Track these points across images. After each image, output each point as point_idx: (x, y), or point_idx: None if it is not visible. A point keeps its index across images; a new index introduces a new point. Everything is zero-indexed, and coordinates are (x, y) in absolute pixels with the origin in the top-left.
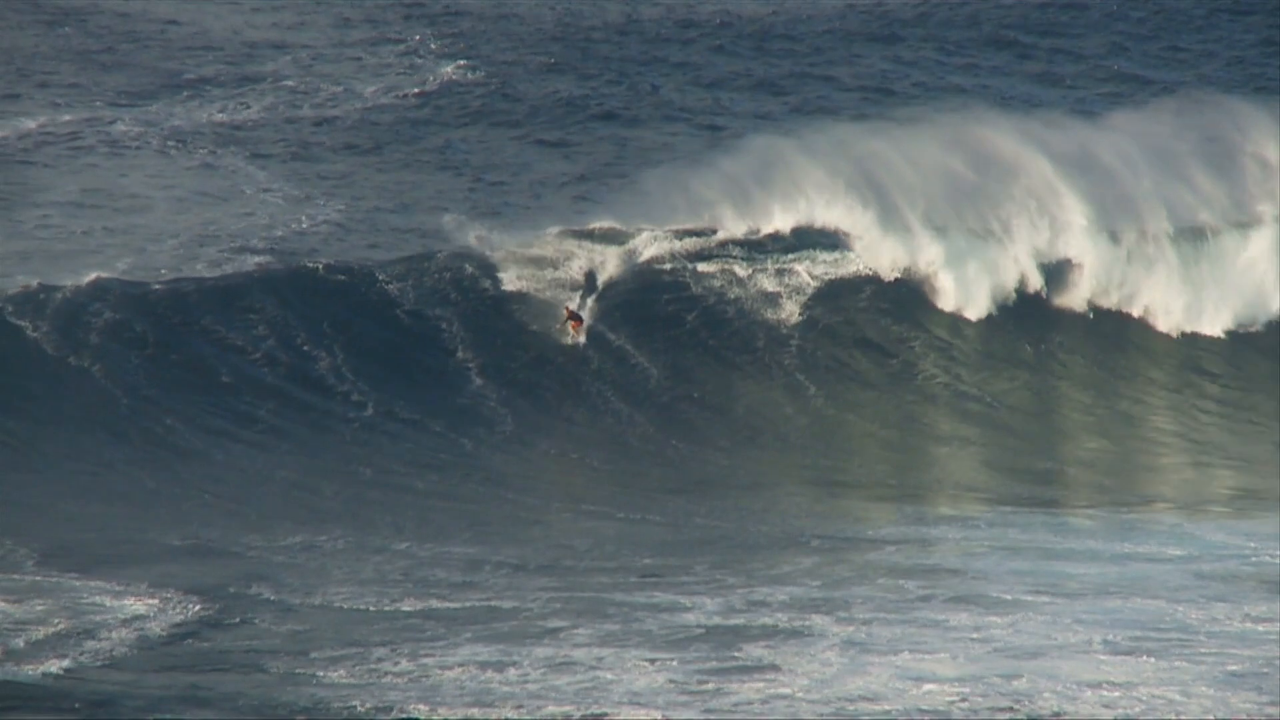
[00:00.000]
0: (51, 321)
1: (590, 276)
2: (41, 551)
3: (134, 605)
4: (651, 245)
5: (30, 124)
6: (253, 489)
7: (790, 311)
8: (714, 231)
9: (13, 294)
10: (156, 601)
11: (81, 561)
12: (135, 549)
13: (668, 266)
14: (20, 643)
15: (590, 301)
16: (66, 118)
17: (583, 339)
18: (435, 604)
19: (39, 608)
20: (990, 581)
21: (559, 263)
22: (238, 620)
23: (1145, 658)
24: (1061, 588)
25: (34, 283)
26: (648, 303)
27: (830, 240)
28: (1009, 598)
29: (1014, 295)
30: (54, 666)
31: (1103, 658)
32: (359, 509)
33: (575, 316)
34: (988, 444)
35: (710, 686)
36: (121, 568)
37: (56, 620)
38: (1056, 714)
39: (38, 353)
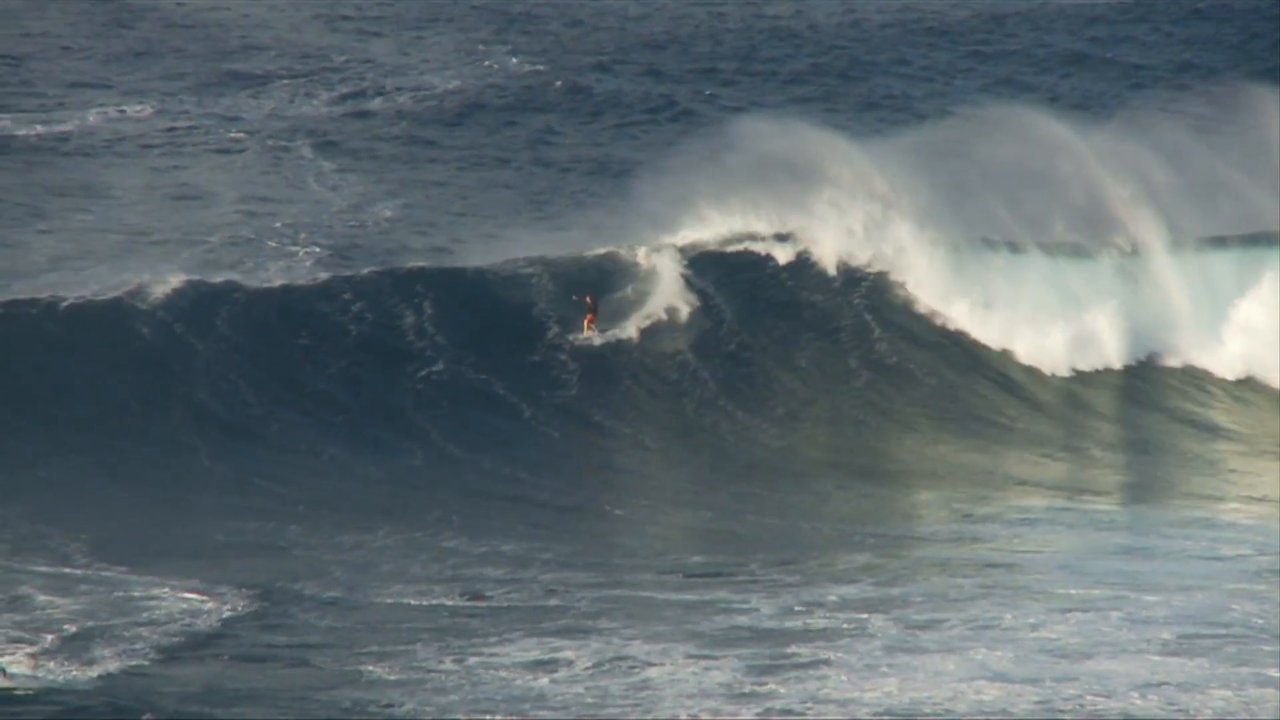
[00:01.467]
0: (122, 319)
1: (623, 273)
2: (91, 544)
3: (183, 601)
4: (685, 240)
5: (95, 118)
6: (302, 484)
7: (838, 304)
8: (742, 232)
9: (85, 294)
10: (205, 597)
11: (130, 555)
12: (184, 543)
13: (702, 265)
14: (70, 637)
15: (614, 300)
16: (132, 111)
17: (596, 339)
18: (482, 602)
19: (89, 601)
20: (1043, 578)
21: (599, 263)
22: (285, 617)
23: (1201, 658)
24: (1116, 585)
25: (97, 286)
26: (685, 299)
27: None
28: (1062, 595)
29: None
30: (107, 663)
31: (1156, 658)
32: (407, 505)
33: (592, 310)
34: (1035, 439)
35: (766, 688)
36: (171, 562)
37: (106, 615)
38: (1106, 714)
39: (102, 348)
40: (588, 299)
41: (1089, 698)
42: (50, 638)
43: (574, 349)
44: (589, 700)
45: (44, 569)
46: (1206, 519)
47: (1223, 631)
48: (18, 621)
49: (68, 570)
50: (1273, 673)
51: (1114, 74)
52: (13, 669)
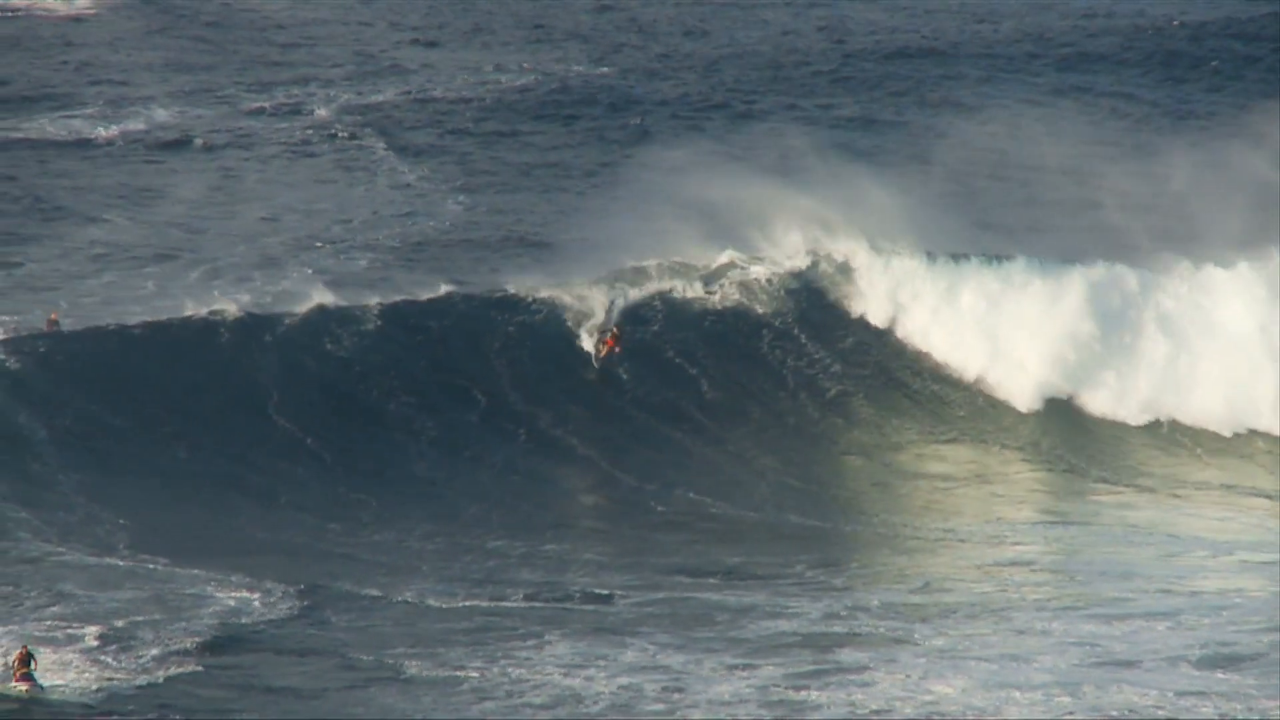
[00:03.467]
0: (193, 333)
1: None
2: (135, 533)
3: (224, 597)
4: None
5: (164, 116)
6: (344, 486)
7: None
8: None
9: (179, 314)
10: (246, 593)
11: (173, 548)
12: (226, 539)
13: (711, 287)
14: (111, 635)
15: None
16: (198, 113)
17: (606, 356)
18: (521, 604)
19: (131, 596)
20: (1086, 584)
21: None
22: (325, 614)
23: (1249, 667)
24: (1160, 591)
25: (193, 305)
26: (701, 318)
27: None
28: (1107, 601)
29: None
30: (147, 661)
31: (1202, 669)
32: (448, 506)
33: (614, 336)
34: (1075, 438)
35: (803, 695)
36: (213, 557)
37: (150, 609)
38: None
39: (186, 362)
40: (614, 329)
41: (1134, 707)
42: (92, 633)
43: (620, 368)
44: (622, 702)
45: (90, 559)
46: (1253, 522)
47: (1274, 638)
48: (61, 616)
49: (110, 560)
50: None
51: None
52: (42, 680)
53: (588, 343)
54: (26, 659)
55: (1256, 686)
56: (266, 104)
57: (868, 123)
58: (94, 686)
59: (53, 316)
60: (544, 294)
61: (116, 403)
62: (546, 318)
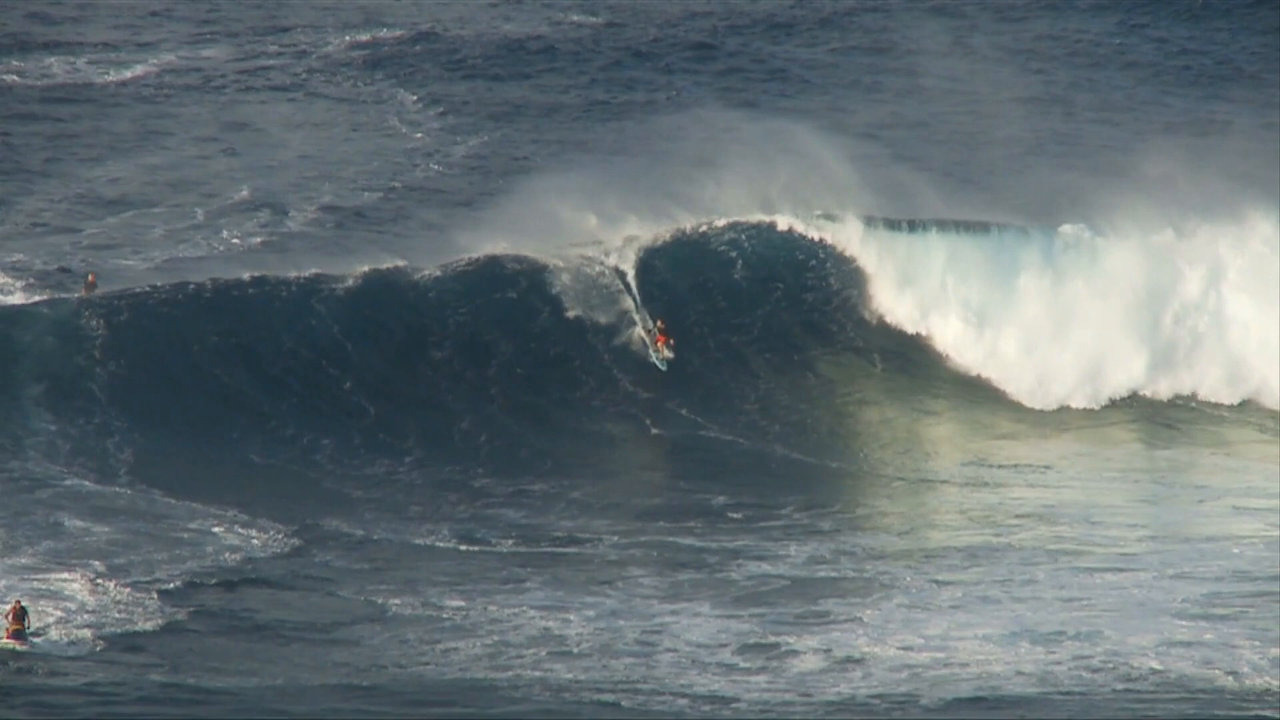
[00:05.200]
0: (213, 293)
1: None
2: (135, 459)
3: (220, 533)
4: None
5: (171, 58)
6: (341, 428)
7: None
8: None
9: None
10: (241, 530)
11: (174, 480)
12: (226, 475)
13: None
14: (107, 571)
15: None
16: (206, 54)
17: (667, 354)
18: (506, 546)
19: (127, 529)
20: (1071, 531)
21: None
22: (315, 552)
23: (1235, 617)
24: (1146, 538)
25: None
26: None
27: None
28: (1092, 546)
29: None
30: (143, 595)
31: (1188, 619)
32: (437, 445)
33: (662, 331)
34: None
35: (781, 640)
36: (212, 492)
37: (145, 546)
38: (1134, 674)
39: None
40: (658, 321)
41: (1117, 658)
42: (84, 574)
43: (605, 311)
44: (601, 644)
45: (91, 486)
46: (1241, 466)
47: (1260, 588)
48: (55, 553)
49: (111, 489)
50: None
51: None
52: (33, 634)
53: (644, 350)
54: (20, 614)
55: (1244, 637)
56: (273, 45)
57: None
58: (84, 638)
59: (90, 279)
60: (528, 253)
61: (146, 354)
62: (531, 275)
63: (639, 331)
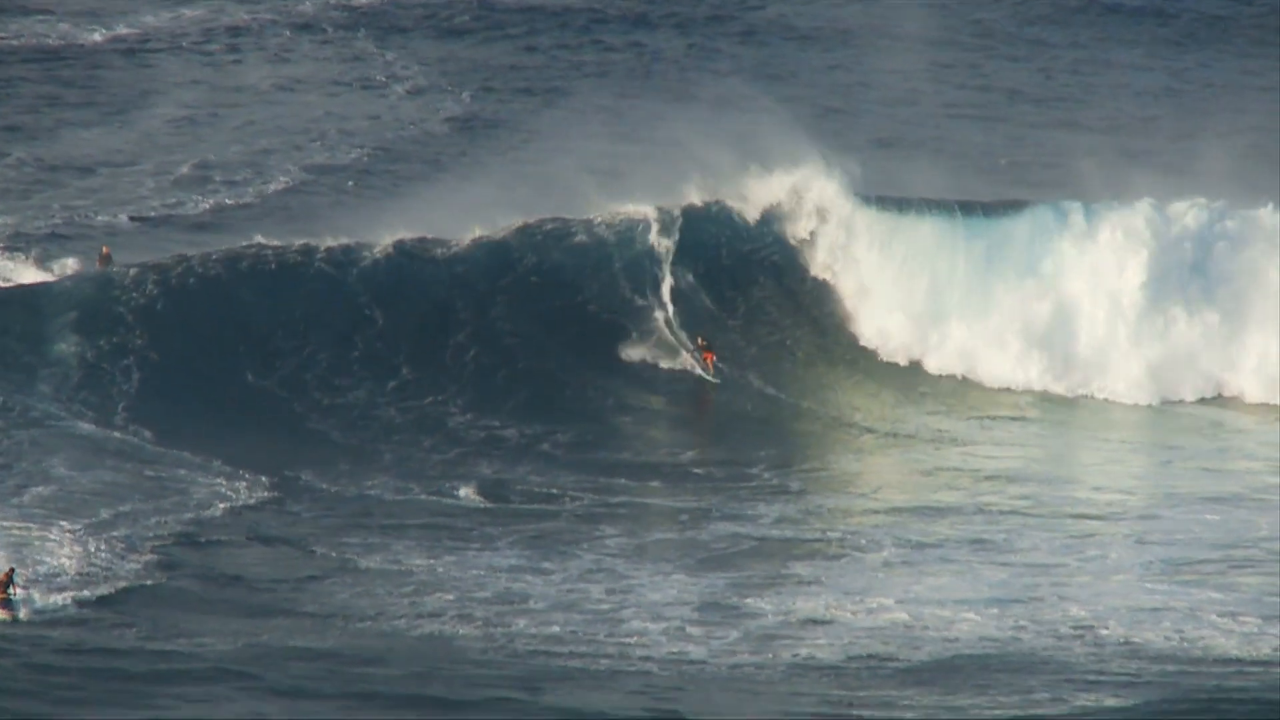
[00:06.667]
0: (219, 265)
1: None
2: (132, 404)
3: (203, 483)
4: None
5: (152, 19)
6: (323, 381)
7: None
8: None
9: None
10: (223, 481)
11: (164, 425)
12: (214, 424)
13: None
14: (98, 519)
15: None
16: (189, 13)
17: (714, 376)
18: (478, 500)
19: (113, 478)
20: (1041, 491)
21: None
22: (290, 506)
23: (1207, 584)
24: (1119, 499)
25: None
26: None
27: None
28: (1063, 507)
29: None
30: (126, 548)
31: (1160, 583)
32: (414, 391)
33: (708, 348)
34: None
35: (746, 601)
36: (200, 440)
37: (129, 496)
38: (1106, 641)
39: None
40: (699, 340)
41: (1086, 622)
42: (67, 527)
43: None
44: (567, 603)
45: (87, 429)
46: (1217, 422)
47: (1232, 554)
48: (42, 501)
49: (107, 432)
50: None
51: None
52: (18, 597)
53: (693, 366)
54: (7, 583)
55: (1212, 603)
56: (258, 3)
57: None
58: (59, 602)
59: (104, 251)
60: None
61: (157, 319)
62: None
63: (687, 356)
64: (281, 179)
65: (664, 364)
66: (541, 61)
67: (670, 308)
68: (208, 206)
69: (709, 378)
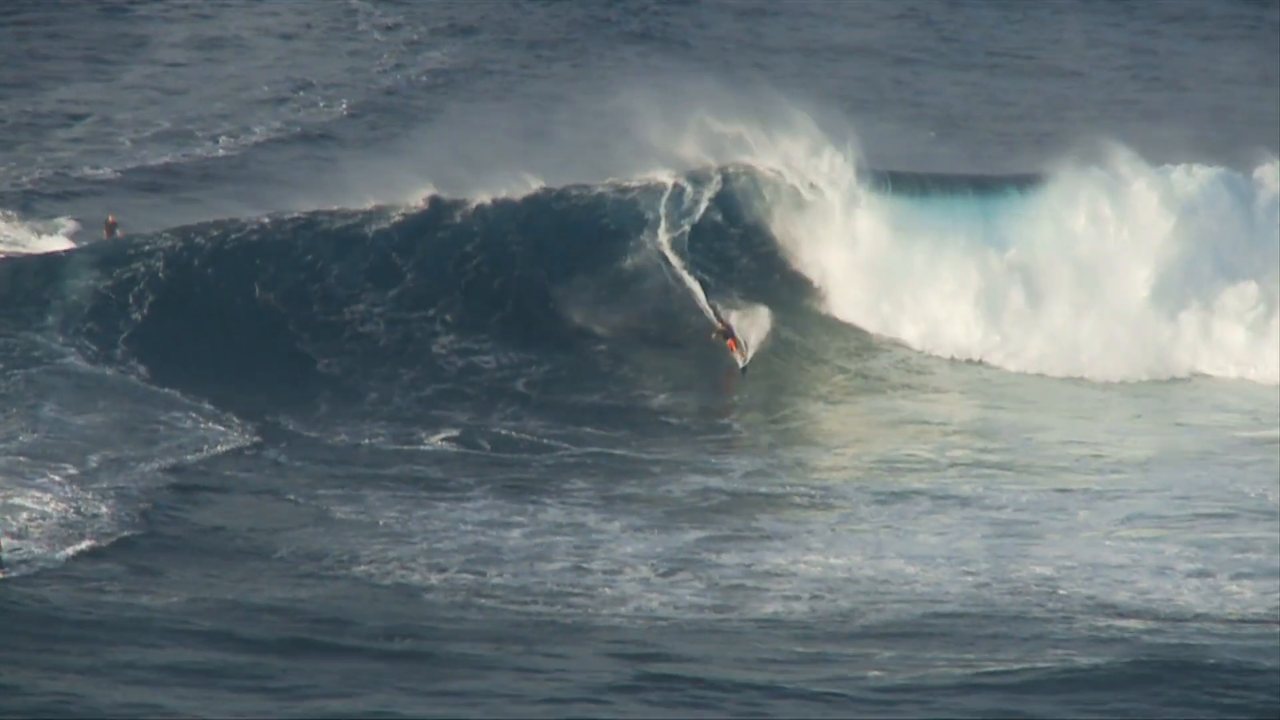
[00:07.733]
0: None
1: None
2: (130, 343)
3: (189, 427)
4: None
5: None
6: (312, 324)
7: None
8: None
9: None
10: (210, 424)
11: (160, 364)
12: (205, 362)
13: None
14: (82, 469)
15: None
16: None
17: (743, 361)
18: (450, 447)
19: (103, 420)
20: (1011, 447)
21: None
22: (270, 453)
23: (1177, 542)
24: (1089, 456)
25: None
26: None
27: None
28: (1032, 468)
29: None
30: (112, 495)
31: (1129, 541)
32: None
33: (728, 334)
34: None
35: (710, 557)
36: (191, 380)
37: (116, 441)
38: (1071, 599)
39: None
40: (720, 326)
41: (1049, 580)
42: (54, 476)
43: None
44: (534, 556)
45: (83, 367)
46: (1189, 382)
47: (1201, 510)
48: (29, 450)
49: (100, 370)
50: (1251, 557)
51: None
52: (6, 553)
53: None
54: None
55: (1184, 559)
56: None
57: None
58: (41, 555)
59: (110, 220)
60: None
61: (164, 274)
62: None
63: (712, 336)
64: (260, 131)
65: (653, 306)
66: (543, 16)
67: (672, 258)
68: (191, 157)
69: (740, 363)
